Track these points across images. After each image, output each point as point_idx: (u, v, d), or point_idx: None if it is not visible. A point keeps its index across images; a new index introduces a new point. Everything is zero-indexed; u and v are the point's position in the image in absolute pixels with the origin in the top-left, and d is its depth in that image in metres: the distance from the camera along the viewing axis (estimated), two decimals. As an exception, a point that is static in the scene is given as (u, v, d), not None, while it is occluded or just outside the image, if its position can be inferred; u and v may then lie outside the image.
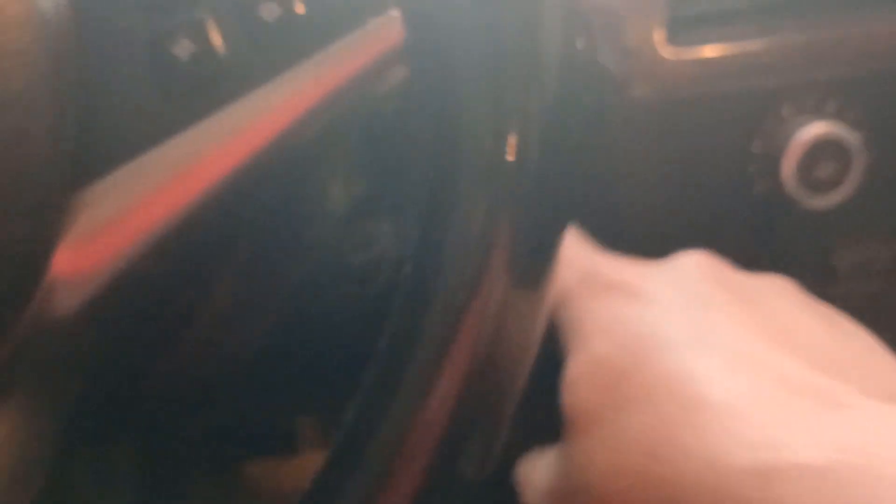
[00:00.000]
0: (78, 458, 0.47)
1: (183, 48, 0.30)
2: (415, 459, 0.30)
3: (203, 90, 0.31)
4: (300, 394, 0.44)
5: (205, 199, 0.30)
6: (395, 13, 0.31)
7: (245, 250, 0.37)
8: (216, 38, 0.30)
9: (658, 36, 0.42)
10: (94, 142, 0.30)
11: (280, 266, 0.39)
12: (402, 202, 0.41)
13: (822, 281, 0.46)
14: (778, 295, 0.32)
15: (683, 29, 0.43)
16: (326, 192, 0.40)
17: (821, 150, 0.42)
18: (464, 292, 0.30)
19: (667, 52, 0.42)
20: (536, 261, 0.32)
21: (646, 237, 0.46)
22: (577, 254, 0.35)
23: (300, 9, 0.32)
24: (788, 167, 0.42)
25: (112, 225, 0.30)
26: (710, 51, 0.42)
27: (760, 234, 0.45)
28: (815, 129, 0.42)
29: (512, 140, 0.32)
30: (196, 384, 0.41)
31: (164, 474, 0.53)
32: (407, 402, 0.30)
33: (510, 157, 0.32)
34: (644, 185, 0.45)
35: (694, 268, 0.32)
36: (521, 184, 0.32)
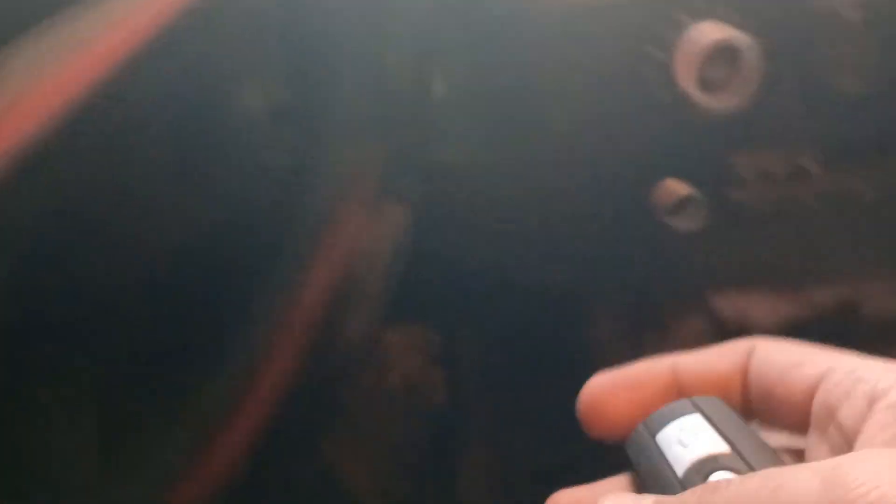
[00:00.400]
0: (41, 386, 0.48)
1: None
2: (294, 331, 0.32)
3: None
4: (238, 306, 0.45)
5: (105, 81, 0.31)
6: None
7: (162, 148, 0.38)
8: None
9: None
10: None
11: (199, 166, 0.40)
12: (321, 111, 0.42)
13: (724, 186, 0.48)
14: None
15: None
16: (246, 98, 0.41)
17: (717, 54, 0.44)
18: (335, 203, 0.32)
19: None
20: (407, 176, 0.34)
21: (550, 145, 0.47)
22: None
23: None
24: (686, 71, 0.43)
25: (11, 107, 0.30)
26: (608, -43, 0.44)
27: (663, 140, 0.47)
28: (711, 34, 0.43)
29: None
30: (125, 292, 0.42)
31: (124, 399, 0.54)
32: (289, 285, 0.33)
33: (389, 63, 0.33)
34: (548, 92, 0.46)
35: None
36: (402, 95, 0.33)
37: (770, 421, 0.29)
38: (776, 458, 0.26)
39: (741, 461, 0.25)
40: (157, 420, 0.34)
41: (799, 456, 0.28)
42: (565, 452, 0.68)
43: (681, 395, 0.29)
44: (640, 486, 0.27)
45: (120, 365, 0.43)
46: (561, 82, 0.46)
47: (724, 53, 0.43)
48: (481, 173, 0.48)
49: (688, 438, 0.27)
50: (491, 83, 0.47)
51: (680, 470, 0.26)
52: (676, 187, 0.46)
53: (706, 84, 0.44)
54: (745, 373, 0.30)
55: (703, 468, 0.26)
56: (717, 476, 0.25)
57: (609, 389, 0.31)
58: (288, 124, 0.42)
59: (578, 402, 0.31)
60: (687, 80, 0.44)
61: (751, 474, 0.24)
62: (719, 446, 0.26)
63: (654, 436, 0.27)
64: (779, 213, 0.47)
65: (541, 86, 0.46)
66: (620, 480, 0.29)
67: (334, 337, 0.33)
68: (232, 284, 0.37)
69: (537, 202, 0.49)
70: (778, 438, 0.28)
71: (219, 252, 0.42)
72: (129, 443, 0.48)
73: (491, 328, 0.68)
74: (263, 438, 0.33)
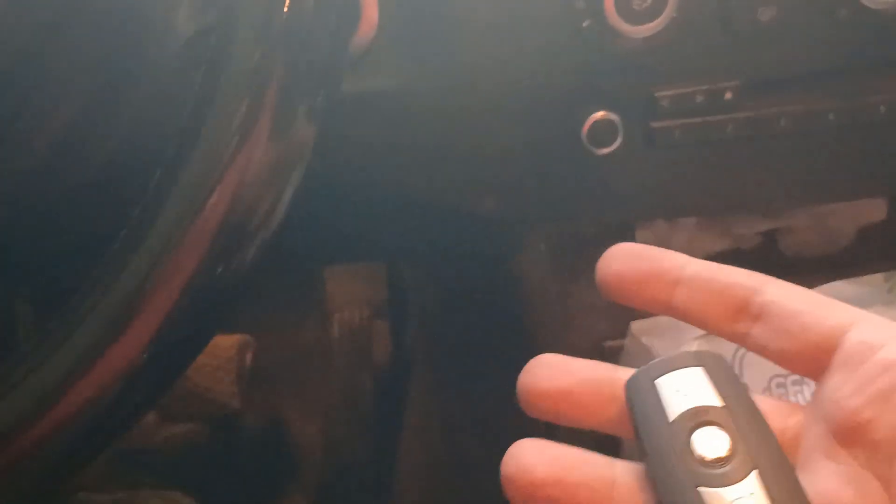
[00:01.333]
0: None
1: None
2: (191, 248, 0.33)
3: None
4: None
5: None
6: None
7: (86, 67, 0.39)
8: None
9: None
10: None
11: (122, 85, 0.41)
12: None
13: (647, 116, 0.50)
14: None
15: None
16: (173, 17, 0.42)
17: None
18: (232, 138, 0.33)
19: None
20: (303, 111, 0.35)
21: (482, 75, 0.49)
22: None
23: None
24: (614, 3, 0.45)
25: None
26: None
27: (589, 70, 0.49)
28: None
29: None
30: (38, 214, 0.43)
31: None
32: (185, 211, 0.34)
33: (285, 9, 0.34)
34: (480, 23, 0.48)
35: None
36: (294, 36, 0.34)
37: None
38: (764, 421, 0.28)
39: (731, 419, 0.27)
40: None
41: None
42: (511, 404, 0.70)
43: None
44: (633, 423, 0.28)
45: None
46: (493, 13, 0.48)
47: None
48: (410, 102, 0.50)
49: (686, 388, 0.28)
50: (423, 13, 0.48)
51: (672, 414, 0.27)
52: (597, 114, 0.48)
53: (629, 12, 0.46)
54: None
55: (695, 417, 0.27)
56: (704, 431, 0.27)
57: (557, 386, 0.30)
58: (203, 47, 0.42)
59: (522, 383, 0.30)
60: (612, 8, 0.45)
61: None
62: (713, 400, 0.27)
63: (653, 380, 0.28)
64: (697, 140, 0.49)
65: (473, 17, 0.48)
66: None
67: (230, 253, 0.34)
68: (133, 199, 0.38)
69: (469, 131, 0.51)
70: None
71: (122, 163, 0.43)
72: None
73: (434, 263, 0.69)
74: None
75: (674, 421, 0.27)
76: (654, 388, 0.28)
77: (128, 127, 0.43)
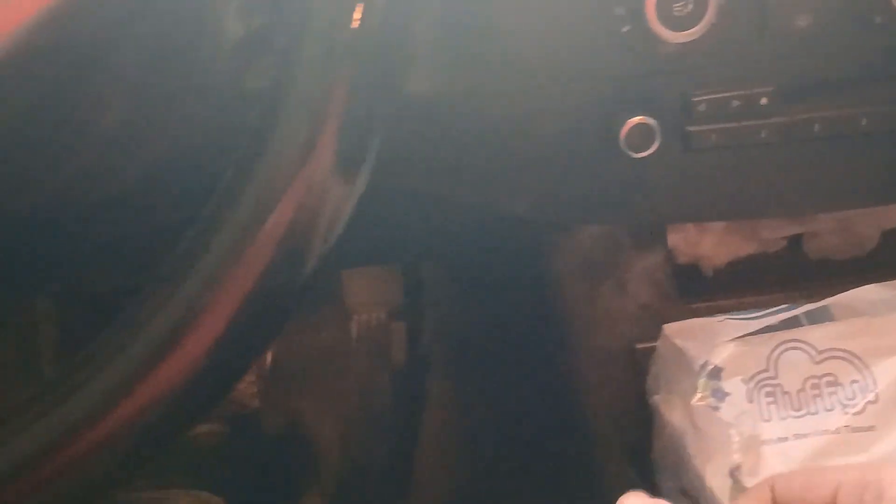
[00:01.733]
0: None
1: None
2: (246, 271, 0.34)
3: None
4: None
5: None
6: None
7: (136, 68, 0.39)
8: None
9: None
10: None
11: (173, 87, 0.41)
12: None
13: (683, 121, 0.50)
14: None
15: None
16: (223, 20, 0.43)
17: (684, -8, 0.46)
18: (296, 153, 0.34)
19: None
20: (365, 127, 0.35)
21: (519, 78, 0.50)
22: None
23: None
24: (651, 5, 0.46)
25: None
26: None
27: (628, 74, 0.49)
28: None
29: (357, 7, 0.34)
30: (87, 211, 0.43)
31: (81, 329, 0.55)
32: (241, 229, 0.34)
33: (354, 25, 0.34)
34: (518, 27, 0.49)
35: None
36: (362, 52, 0.35)
37: None
38: None
39: None
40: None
41: None
42: (527, 409, 0.71)
43: None
44: None
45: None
46: (532, 17, 0.48)
47: (689, -9, 0.46)
48: (449, 105, 0.50)
49: None
50: (460, 17, 0.49)
51: None
52: (634, 119, 0.49)
53: (669, 18, 0.46)
54: None
55: None
56: None
57: None
58: (261, 50, 0.43)
59: None
60: (653, 13, 0.46)
61: None
62: None
63: None
64: (732, 144, 0.50)
65: (511, 21, 0.49)
66: None
67: (290, 268, 0.35)
68: (195, 209, 0.38)
69: (506, 134, 0.51)
70: None
71: (181, 177, 0.44)
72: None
73: (457, 264, 0.70)
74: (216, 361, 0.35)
75: None
76: None
77: (177, 128, 0.44)
